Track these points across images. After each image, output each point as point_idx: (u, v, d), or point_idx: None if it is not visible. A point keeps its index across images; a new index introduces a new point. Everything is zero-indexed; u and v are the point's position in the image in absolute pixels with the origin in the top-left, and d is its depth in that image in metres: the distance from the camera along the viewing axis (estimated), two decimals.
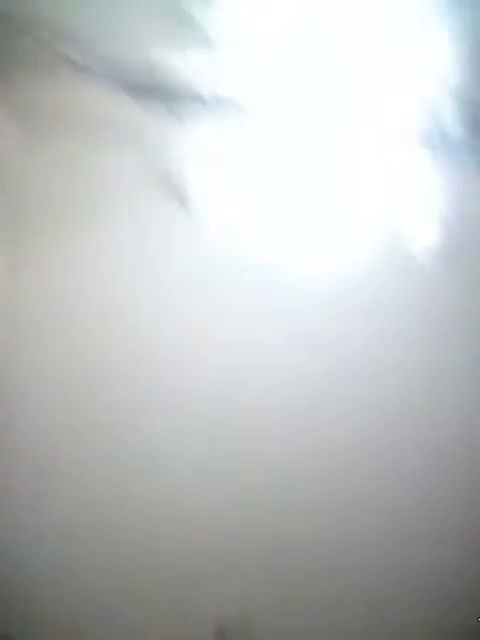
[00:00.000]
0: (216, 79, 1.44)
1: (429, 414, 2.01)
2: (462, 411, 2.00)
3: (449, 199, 1.69)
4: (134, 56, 1.39)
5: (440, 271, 1.71)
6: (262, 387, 2.03)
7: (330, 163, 1.75)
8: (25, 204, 2.05)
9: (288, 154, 1.73)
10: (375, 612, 1.97)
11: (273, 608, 1.97)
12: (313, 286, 1.71)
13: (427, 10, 1.40)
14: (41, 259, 2.07)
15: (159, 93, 1.57)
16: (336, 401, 2.01)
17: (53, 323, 2.05)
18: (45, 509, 2.01)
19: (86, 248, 2.05)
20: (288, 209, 1.70)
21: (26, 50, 1.36)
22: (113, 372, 2.03)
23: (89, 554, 2.01)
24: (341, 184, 1.76)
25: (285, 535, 2.01)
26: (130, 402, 2.03)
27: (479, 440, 2.01)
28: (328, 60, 1.54)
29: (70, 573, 2.00)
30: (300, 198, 1.76)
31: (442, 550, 2.00)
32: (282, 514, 2.01)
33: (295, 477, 2.02)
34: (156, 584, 1.97)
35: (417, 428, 2.00)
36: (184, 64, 1.41)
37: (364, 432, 2.02)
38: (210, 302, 2.02)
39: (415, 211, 1.68)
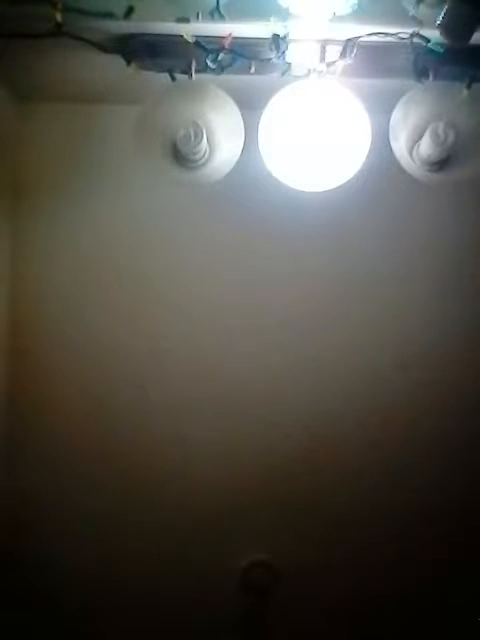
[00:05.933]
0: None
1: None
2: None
3: None
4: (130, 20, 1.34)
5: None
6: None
7: None
8: (22, 171, 2.02)
9: None
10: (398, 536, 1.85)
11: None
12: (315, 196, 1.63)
13: None
14: (41, 225, 2.05)
15: (158, 56, 1.54)
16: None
17: (54, 292, 2.03)
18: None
19: (87, 214, 2.05)
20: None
21: (16, 14, 1.31)
22: (116, 344, 1.99)
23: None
24: None
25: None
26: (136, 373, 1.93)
27: None
28: None
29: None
30: None
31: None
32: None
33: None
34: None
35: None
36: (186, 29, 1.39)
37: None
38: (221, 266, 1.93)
39: None
